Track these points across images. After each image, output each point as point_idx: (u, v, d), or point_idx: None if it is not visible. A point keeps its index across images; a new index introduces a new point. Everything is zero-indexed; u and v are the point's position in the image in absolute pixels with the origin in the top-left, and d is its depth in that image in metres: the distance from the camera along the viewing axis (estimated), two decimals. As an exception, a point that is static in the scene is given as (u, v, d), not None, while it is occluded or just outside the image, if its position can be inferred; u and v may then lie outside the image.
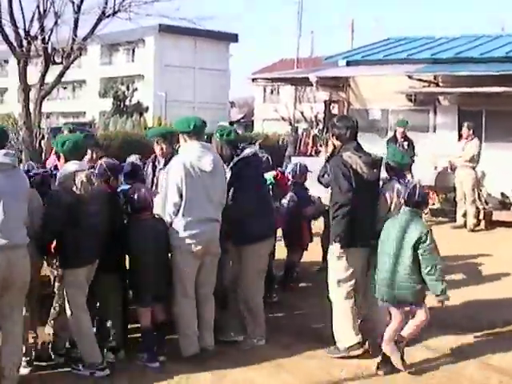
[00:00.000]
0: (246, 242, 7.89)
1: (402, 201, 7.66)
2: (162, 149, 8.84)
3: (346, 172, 7.65)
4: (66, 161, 7.03)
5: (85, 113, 69.75)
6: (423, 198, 7.57)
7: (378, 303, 7.63)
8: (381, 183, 8.08)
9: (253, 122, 68.96)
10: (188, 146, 7.43)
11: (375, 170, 7.78)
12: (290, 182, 10.90)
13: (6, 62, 75.97)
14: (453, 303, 8.07)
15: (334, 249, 7.74)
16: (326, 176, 10.89)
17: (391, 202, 7.92)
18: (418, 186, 7.70)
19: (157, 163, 9.03)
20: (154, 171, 9.05)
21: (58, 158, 7.31)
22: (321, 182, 11.50)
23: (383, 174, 8.18)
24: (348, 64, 22.91)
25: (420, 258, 7.18)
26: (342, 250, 7.66)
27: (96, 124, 48.47)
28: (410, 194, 7.50)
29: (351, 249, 7.69)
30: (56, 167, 8.16)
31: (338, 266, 7.80)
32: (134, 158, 9.74)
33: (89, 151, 8.75)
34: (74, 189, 6.82)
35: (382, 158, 8.02)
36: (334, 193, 7.82)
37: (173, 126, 8.79)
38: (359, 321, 7.88)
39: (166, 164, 8.33)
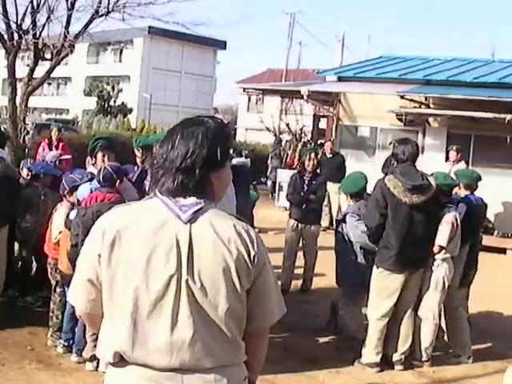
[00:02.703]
0: None
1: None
2: None
3: (379, 197, 7.82)
4: None
5: (68, 110, 69.33)
6: None
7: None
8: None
9: (235, 129, 68.72)
10: None
11: (419, 196, 7.69)
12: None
13: (-8, 53, 75.52)
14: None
15: (374, 271, 7.96)
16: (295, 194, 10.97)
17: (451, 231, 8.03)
18: None
19: None
20: None
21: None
22: (289, 200, 11.50)
23: None
24: (339, 80, 22.88)
25: None
26: (381, 273, 7.88)
27: (79, 122, 48.10)
28: None
29: (391, 273, 7.83)
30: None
31: (378, 288, 7.96)
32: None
33: (100, 154, 8.51)
34: None
35: (429, 183, 7.84)
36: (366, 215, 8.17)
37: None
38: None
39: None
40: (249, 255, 2.96)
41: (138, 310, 2.87)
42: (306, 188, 11.13)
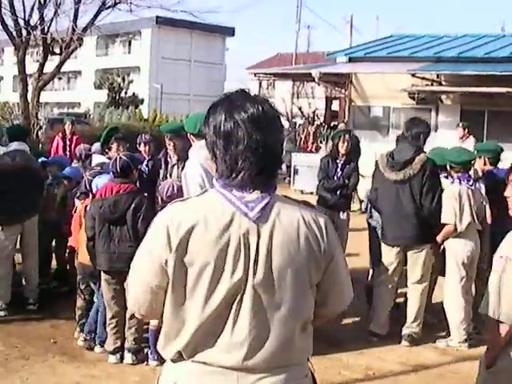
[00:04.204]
0: None
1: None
2: (174, 145, 8.40)
3: (373, 173, 8.19)
4: None
5: (79, 104, 69.41)
6: None
7: None
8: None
9: (247, 116, 68.53)
10: (196, 146, 6.98)
11: (397, 173, 7.78)
12: None
13: (2, 50, 75.73)
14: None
15: None
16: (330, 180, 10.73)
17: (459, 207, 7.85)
18: None
19: (168, 159, 8.64)
20: (166, 167, 8.63)
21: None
22: (323, 186, 10.94)
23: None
24: (350, 60, 22.80)
25: None
26: (382, 246, 8.17)
27: (91, 115, 48.15)
28: None
29: (386, 246, 8.10)
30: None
31: (382, 260, 8.20)
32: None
33: (115, 144, 8.66)
34: None
35: (409, 159, 7.77)
36: None
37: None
38: None
39: (179, 160, 8.15)
40: (319, 249, 2.80)
41: (203, 312, 2.72)
42: (339, 173, 10.23)
